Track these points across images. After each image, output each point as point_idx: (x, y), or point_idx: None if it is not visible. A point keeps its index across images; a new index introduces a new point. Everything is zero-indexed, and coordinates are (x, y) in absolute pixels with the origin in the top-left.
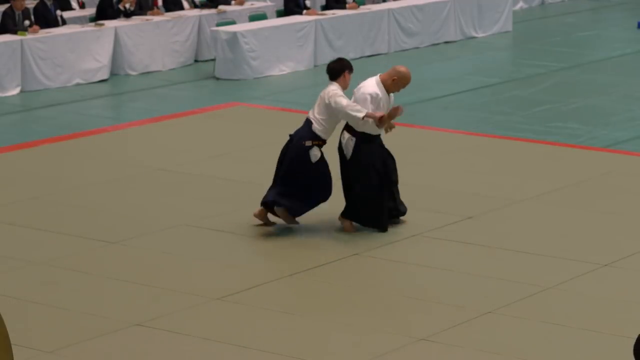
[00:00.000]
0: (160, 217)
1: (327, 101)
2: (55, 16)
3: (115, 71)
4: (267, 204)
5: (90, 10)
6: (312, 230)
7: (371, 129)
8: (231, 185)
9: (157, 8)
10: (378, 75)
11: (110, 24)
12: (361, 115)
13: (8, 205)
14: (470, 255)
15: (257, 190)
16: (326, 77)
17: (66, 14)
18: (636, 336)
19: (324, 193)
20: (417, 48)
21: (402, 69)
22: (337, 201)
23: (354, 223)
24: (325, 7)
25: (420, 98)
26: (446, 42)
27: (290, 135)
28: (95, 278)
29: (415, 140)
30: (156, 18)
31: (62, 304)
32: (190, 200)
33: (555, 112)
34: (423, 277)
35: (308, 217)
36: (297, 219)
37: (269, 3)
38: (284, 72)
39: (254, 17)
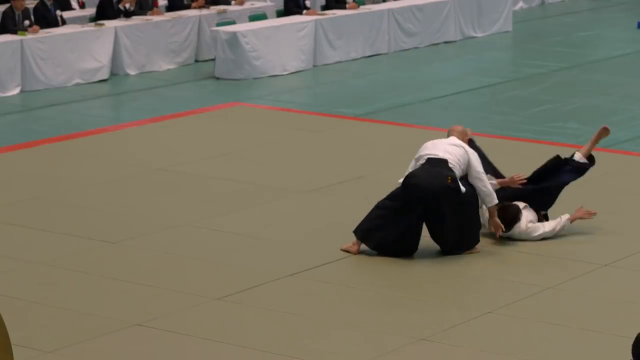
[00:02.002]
0: (160, 217)
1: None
2: (55, 16)
3: (115, 71)
4: None
5: (90, 10)
6: (311, 230)
7: None
8: (231, 185)
9: (157, 8)
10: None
11: (110, 24)
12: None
13: (8, 205)
14: (470, 255)
15: (257, 190)
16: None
17: (66, 14)
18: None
19: None
20: (417, 48)
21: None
22: (338, 202)
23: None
24: (325, 7)
25: (420, 98)
26: (446, 42)
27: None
28: (95, 278)
29: (415, 140)
30: (156, 18)
31: (62, 304)
32: (190, 200)
33: (555, 112)
34: (423, 277)
35: (308, 218)
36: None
37: (269, 3)
38: (284, 72)
39: (254, 17)
